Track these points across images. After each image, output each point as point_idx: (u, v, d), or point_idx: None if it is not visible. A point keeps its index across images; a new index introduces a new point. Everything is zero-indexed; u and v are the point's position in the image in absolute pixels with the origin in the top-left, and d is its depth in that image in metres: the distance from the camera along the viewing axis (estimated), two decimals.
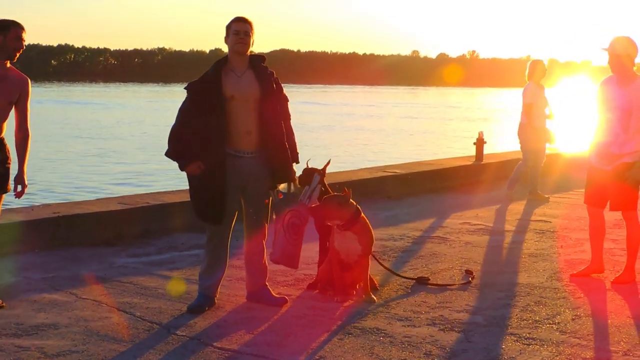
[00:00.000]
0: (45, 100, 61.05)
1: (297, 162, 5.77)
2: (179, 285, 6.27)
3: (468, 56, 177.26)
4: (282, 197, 5.73)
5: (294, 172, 5.76)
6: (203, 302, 5.61)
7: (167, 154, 5.56)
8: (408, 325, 5.31)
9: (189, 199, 5.67)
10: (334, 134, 35.40)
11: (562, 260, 7.28)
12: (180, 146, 5.47)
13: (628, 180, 6.30)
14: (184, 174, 5.59)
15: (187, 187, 5.67)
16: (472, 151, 13.14)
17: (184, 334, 5.10)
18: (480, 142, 12.80)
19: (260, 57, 5.65)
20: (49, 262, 6.81)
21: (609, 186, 6.39)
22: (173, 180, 16.22)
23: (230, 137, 5.46)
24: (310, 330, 5.20)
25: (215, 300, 5.71)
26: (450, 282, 6.40)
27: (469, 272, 6.65)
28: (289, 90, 5.91)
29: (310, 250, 6.61)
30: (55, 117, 43.20)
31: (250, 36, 5.50)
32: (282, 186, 5.77)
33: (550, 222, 9.22)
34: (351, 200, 5.79)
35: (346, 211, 5.73)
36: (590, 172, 6.55)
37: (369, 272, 5.92)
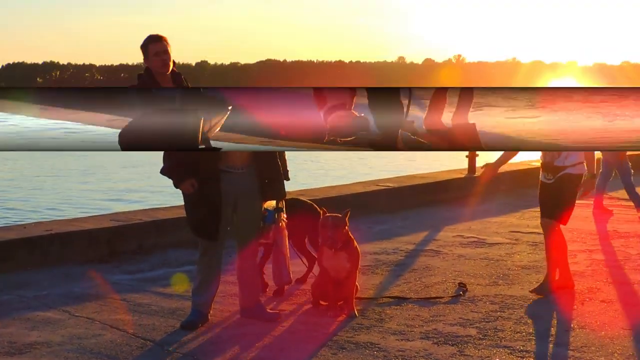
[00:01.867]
0: None
1: (288, 179, 5.78)
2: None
3: (454, 60, 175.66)
4: (266, 214, 5.75)
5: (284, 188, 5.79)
6: (196, 319, 5.60)
7: (162, 172, 5.57)
8: (402, 339, 5.31)
9: (183, 216, 5.67)
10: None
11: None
12: (174, 163, 5.48)
13: (582, 190, 6.52)
14: (174, 189, 5.60)
15: (179, 204, 5.68)
16: (464, 164, 13.17)
17: (178, 350, 5.09)
18: (472, 155, 12.82)
19: (179, 74, 5.58)
20: (42, 280, 6.79)
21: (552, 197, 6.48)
22: (164, 195, 16.19)
23: (222, 153, 5.46)
24: (304, 345, 5.20)
25: (209, 317, 5.70)
26: (443, 295, 6.41)
27: (462, 285, 6.66)
28: None
29: (299, 265, 6.63)
30: None
31: (169, 53, 5.47)
32: (270, 204, 5.78)
33: (543, 234, 9.20)
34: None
35: (344, 233, 5.84)
36: (539, 187, 6.64)
37: (355, 287, 5.98)
